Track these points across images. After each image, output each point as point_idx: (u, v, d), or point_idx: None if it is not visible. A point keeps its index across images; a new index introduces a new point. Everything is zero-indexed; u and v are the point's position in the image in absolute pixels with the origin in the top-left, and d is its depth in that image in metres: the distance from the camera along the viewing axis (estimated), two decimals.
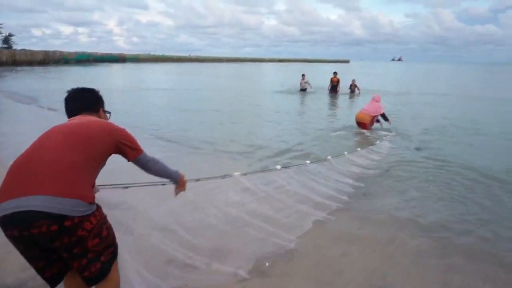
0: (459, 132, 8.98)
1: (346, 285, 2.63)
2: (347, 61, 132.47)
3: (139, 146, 2.02)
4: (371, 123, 8.58)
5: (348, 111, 12.73)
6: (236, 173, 3.42)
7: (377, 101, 8.72)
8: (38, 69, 35.36)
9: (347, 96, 16.77)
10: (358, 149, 6.01)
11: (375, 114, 8.55)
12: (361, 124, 8.54)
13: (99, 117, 2.11)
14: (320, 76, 29.31)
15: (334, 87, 17.44)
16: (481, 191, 4.86)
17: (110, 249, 1.77)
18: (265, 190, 3.77)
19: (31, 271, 2.54)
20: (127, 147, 1.95)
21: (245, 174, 3.53)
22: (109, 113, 2.25)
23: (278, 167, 4.01)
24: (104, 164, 1.92)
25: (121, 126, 2.03)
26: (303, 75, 18.99)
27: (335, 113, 12.78)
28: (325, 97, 16.73)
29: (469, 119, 10.71)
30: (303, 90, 18.30)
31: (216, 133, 8.52)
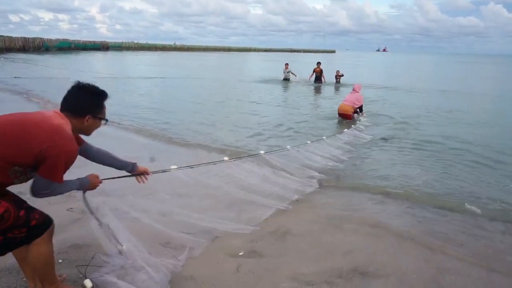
0: (431, 123, 9.07)
1: (335, 264, 2.79)
2: (333, 51, 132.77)
3: (57, 175, 1.88)
4: (354, 114, 8.74)
5: (329, 100, 12.98)
6: (173, 167, 3.07)
7: (357, 91, 8.86)
8: (22, 56, 34.33)
9: (333, 87, 17.03)
10: (324, 137, 6.05)
11: (357, 105, 8.69)
12: (344, 115, 8.67)
13: (80, 123, 2.02)
14: (305, 66, 29.44)
15: (318, 77, 17.64)
16: (452, 172, 5.32)
17: (21, 229, 1.88)
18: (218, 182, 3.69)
19: None
20: (47, 165, 1.82)
21: (191, 167, 3.24)
22: (106, 120, 2.14)
23: (226, 158, 3.73)
24: (20, 170, 1.83)
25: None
26: (286, 64, 19.11)
27: (316, 103, 12.94)
28: (308, 87, 16.93)
29: (444, 114, 10.57)
30: (286, 79, 18.48)
31: (196, 123, 8.56)
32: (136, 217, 3.24)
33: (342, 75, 17.79)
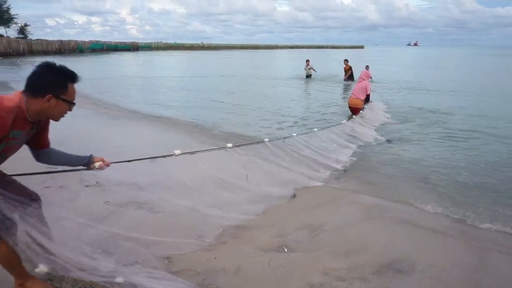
0: (454, 125, 8.02)
1: (367, 259, 2.75)
2: (362, 47, 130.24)
3: None
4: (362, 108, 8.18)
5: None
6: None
7: (364, 78, 8.22)
8: (63, 58, 35.90)
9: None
10: (315, 129, 5.51)
11: (364, 97, 8.13)
12: (353, 109, 8.18)
13: (40, 103, 1.85)
14: (334, 62, 28.99)
15: (350, 75, 16.89)
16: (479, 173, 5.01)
17: None
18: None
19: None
20: None
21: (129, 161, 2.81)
22: (71, 103, 1.96)
23: (177, 152, 3.19)
24: None
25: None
26: (307, 60, 18.72)
27: (333, 98, 12.47)
28: (335, 84, 16.41)
29: (469, 117, 8.96)
30: (308, 76, 18.18)
31: (220, 120, 8.71)
32: (171, 211, 3.36)
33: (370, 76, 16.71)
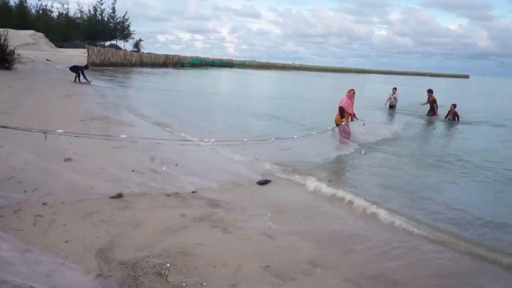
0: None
1: None
2: (467, 76, 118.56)
3: None
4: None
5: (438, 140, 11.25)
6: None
7: (349, 97, 8.47)
8: (170, 71, 39.80)
9: (445, 123, 12.86)
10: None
11: (351, 112, 8.51)
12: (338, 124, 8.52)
13: None
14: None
15: (431, 108, 13.84)
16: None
17: None
18: None
19: (145, 252, 2.86)
20: None
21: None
22: None
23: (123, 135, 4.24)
24: None
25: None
26: (394, 88, 15.70)
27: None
28: (411, 118, 13.39)
29: None
30: (392, 107, 15.09)
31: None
32: None
33: (457, 114, 13.04)
